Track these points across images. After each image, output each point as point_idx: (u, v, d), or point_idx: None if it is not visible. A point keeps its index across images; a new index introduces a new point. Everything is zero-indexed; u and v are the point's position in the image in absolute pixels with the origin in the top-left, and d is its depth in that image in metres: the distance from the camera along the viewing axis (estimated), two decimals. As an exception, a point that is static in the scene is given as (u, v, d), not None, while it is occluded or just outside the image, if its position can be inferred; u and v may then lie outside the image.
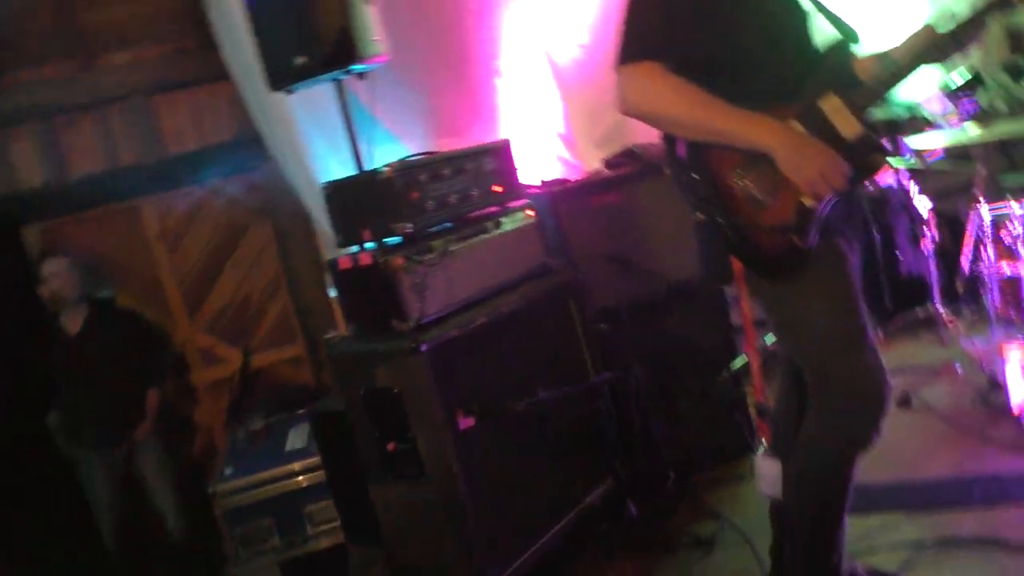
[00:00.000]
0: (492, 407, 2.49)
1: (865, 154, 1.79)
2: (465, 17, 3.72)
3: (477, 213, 2.73)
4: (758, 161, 1.75)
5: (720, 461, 3.25)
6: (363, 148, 2.88)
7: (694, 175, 1.81)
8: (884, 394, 1.87)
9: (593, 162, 3.67)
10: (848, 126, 1.76)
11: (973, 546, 2.39)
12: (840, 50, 1.82)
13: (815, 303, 1.83)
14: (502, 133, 3.70)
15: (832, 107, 1.76)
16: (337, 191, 2.60)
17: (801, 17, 1.82)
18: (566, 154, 3.90)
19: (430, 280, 2.47)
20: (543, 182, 3.18)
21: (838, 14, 1.86)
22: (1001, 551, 2.32)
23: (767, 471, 2.18)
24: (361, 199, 2.54)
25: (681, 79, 1.72)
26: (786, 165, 1.71)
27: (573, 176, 3.59)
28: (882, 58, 1.79)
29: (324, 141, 3.46)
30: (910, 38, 1.76)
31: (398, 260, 2.41)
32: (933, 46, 1.71)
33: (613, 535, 2.88)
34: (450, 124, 3.67)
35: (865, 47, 1.86)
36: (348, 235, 2.58)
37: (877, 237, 3.92)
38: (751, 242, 1.81)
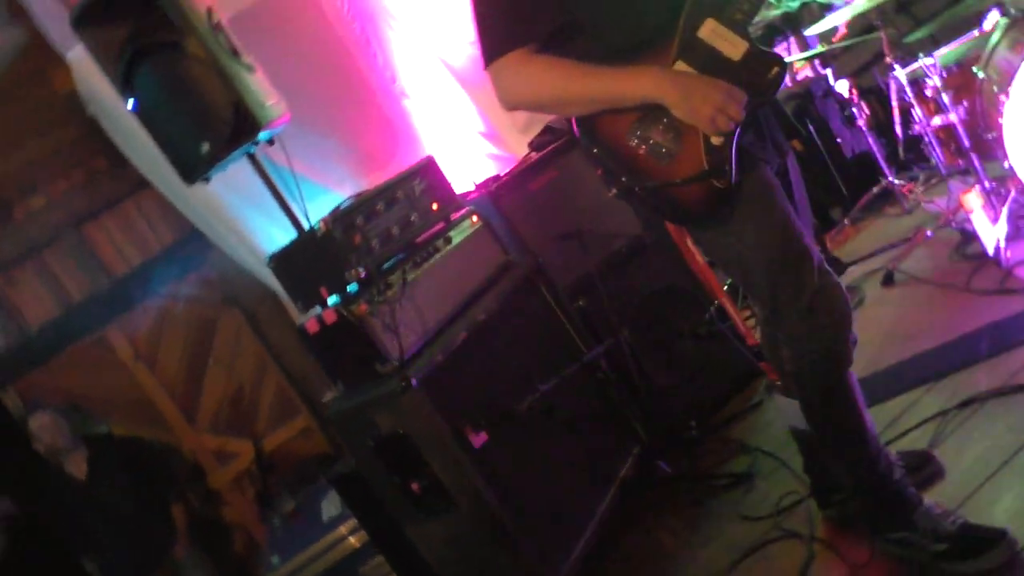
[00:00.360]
0: (498, 415, 2.50)
1: (760, 70, 1.71)
2: (351, 51, 3.72)
3: (424, 236, 2.73)
4: (651, 115, 1.70)
5: (732, 394, 3.27)
6: (297, 208, 2.87)
7: (594, 150, 1.77)
8: (841, 309, 1.86)
9: (523, 149, 3.68)
10: (733, 47, 1.69)
11: (993, 399, 2.40)
12: None
13: (748, 238, 1.79)
14: (427, 150, 3.70)
15: (711, 33, 1.68)
16: (282, 261, 2.60)
17: None
18: (494, 149, 3.91)
19: (400, 315, 2.47)
20: (477, 185, 3.18)
21: None
22: (1021, 394, 2.35)
23: (787, 408, 2.17)
24: (307, 261, 2.53)
25: (549, 57, 1.69)
26: (680, 110, 1.66)
27: (507, 169, 3.60)
28: None
29: (258, 214, 3.45)
30: None
31: (362, 307, 2.40)
32: None
33: (654, 498, 2.89)
34: (373, 158, 3.68)
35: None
36: (307, 298, 2.57)
37: (812, 130, 3.97)
38: (673, 199, 1.76)
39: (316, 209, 2.96)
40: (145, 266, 4.24)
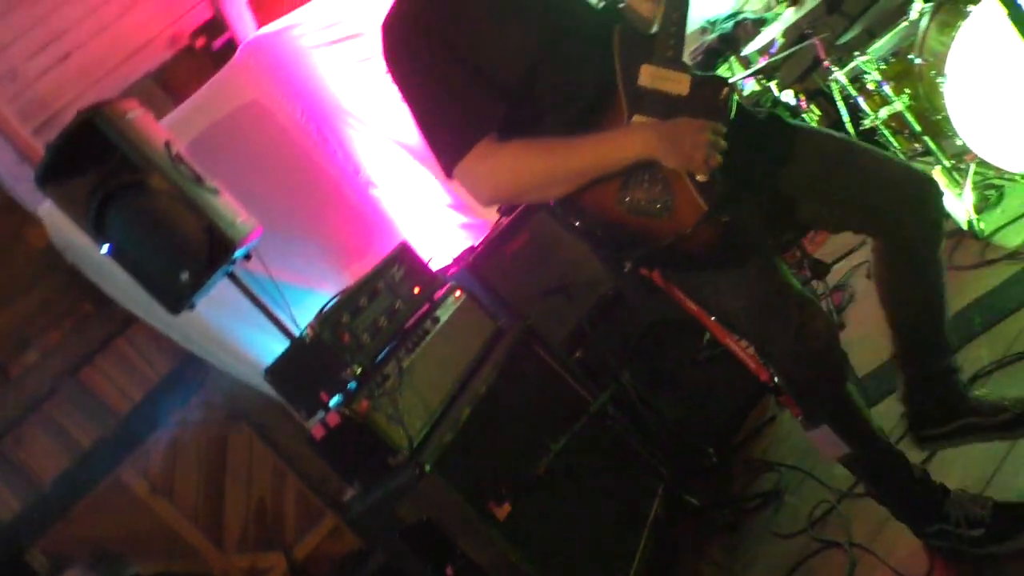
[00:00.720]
0: (518, 483, 2.50)
1: (710, 95, 1.69)
2: (311, 153, 3.81)
3: (412, 321, 2.76)
4: (631, 177, 1.64)
5: (745, 412, 3.27)
6: (284, 316, 2.91)
7: (596, 232, 1.69)
8: (827, 335, 1.82)
9: (493, 214, 3.74)
10: (677, 84, 1.66)
11: (997, 371, 2.42)
12: (612, 21, 1.73)
13: (723, 287, 1.76)
14: (402, 234, 3.76)
15: (652, 78, 1.66)
16: (277, 373, 2.61)
17: (568, 20, 1.76)
18: (465, 218, 3.97)
19: (402, 403, 2.48)
20: (454, 258, 3.23)
21: None
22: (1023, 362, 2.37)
23: (819, 438, 2.07)
24: (301, 368, 2.55)
25: (516, 142, 1.63)
26: (672, 159, 1.59)
27: (481, 237, 3.65)
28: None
29: (248, 327, 3.47)
30: None
31: (363, 404, 2.42)
32: None
33: (688, 532, 2.87)
34: (350, 251, 3.73)
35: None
36: (308, 405, 2.59)
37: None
38: (686, 253, 1.67)
39: (303, 312, 3.00)
40: (148, 399, 4.25)
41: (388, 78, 1.76)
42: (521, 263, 3.13)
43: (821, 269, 3.39)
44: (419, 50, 1.67)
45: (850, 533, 2.34)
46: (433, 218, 3.93)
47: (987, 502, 1.91)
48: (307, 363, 2.53)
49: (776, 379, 2.05)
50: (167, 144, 2.76)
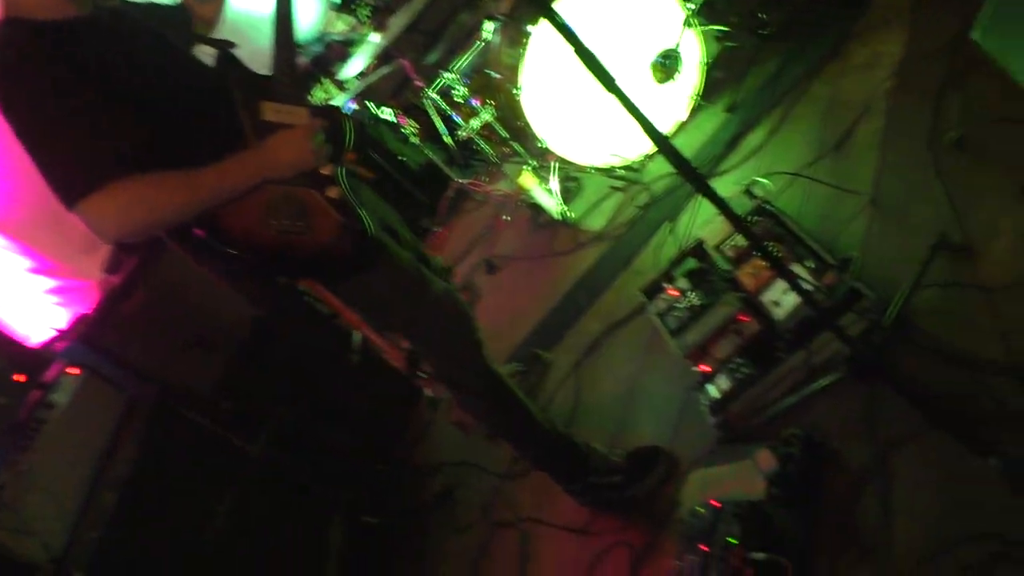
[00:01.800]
0: (188, 558, 2.30)
1: (328, 116, 1.87)
2: None
3: (23, 415, 2.37)
4: (272, 202, 1.75)
5: (404, 424, 3.38)
6: None
7: (232, 251, 1.75)
8: (461, 304, 2.10)
9: (96, 273, 3.33)
10: (296, 116, 1.80)
11: (607, 338, 2.81)
12: (228, 66, 1.83)
13: (373, 284, 1.91)
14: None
15: (274, 113, 1.78)
16: None
17: (180, 72, 1.82)
18: (58, 282, 3.46)
19: (29, 511, 2.13)
20: (60, 332, 2.83)
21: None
22: (625, 327, 2.78)
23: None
24: None
25: (152, 175, 1.59)
26: (289, 161, 1.74)
27: (89, 297, 3.24)
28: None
29: None
30: None
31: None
32: None
33: (376, 552, 2.89)
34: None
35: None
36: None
37: (375, 155, 4.20)
38: (331, 261, 1.84)
39: None
40: None
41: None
42: (145, 322, 2.82)
43: (446, 276, 3.61)
44: (43, 81, 1.57)
45: (518, 510, 2.56)
46: (13, 288, 3.36)
47: (622, 452, 2.26)
48: None
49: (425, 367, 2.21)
50: None
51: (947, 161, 2.06)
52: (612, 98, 1.44)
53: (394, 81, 4.06)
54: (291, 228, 1.78)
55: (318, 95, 3.92)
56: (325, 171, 1.82)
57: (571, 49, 1.43)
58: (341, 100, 3.78)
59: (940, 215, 1.94)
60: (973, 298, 1.74)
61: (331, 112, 1.97)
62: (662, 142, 1.47)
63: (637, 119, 1.44)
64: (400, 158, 4.36)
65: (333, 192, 1.82)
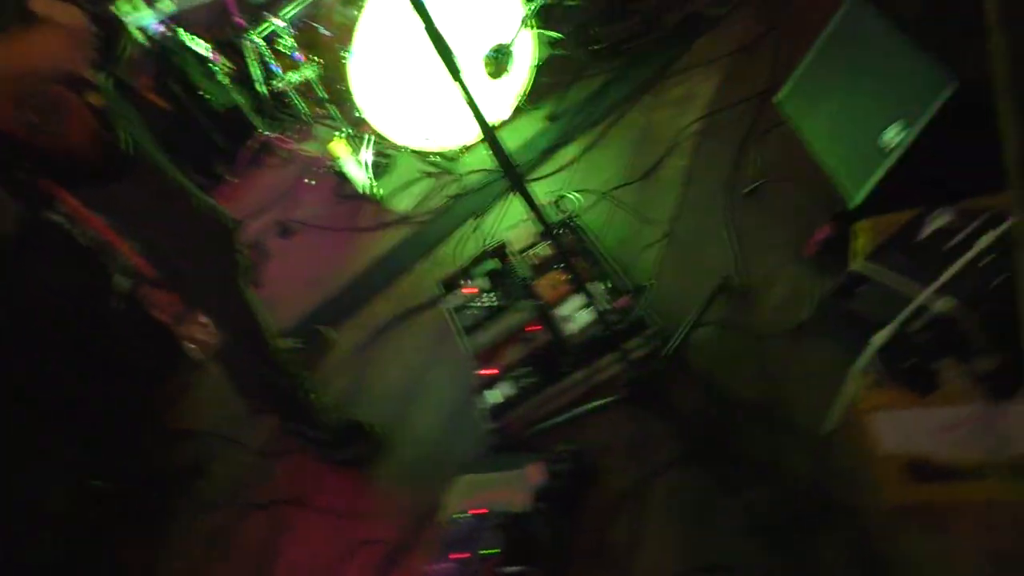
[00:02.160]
0: None
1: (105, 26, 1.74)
2: None
3: None
4: (22, 96, 1.58)
5: (159, 380, 3.09)
6: None
7: None
8: (221, 217, 2.08)
9: None
10: (66, 13, 1.66)
11: (394, 329, 2.74)
12: None
13: (119, 189, 1.81)
14: None
15: (43, 4, 1.62)
16: None
17: None
18: None
19: None
20: None
21: None
22: (413, 317, 2.72)
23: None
24: None
25: None
26: (42, 66, 1.61)
27: None
28: None
29: None
30: None
31: None
32: None
33: (113, 520, 2.62)
34: None
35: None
36: None
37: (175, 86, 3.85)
38: (77, 169, 1.71)
39: None
40: None
41: None
42: None
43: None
44: None
45: (274, 491, 2.42)
46: None
47: (344, 418, 2.34)
48: None
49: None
50: None
51: (740, 209, 2.20)
52: (449, 83, 1.37)
53: (212, 13, 3.71)
54: (37, 124, 1.64)
55: (123, 7, 3.51)
56: (91, 78, 1.69)
57: (421, 26, 1.35)
58: (147, 18, 3.40)
59: (727, 259, 2.06)
60: (744, 341, 1.86)
61: (110, 22, 1.82)
62: (491, 136, 1.42)
63: (472, 109, 1.38)
64: (204, 95, 4.02)
65: (94, 98, 1.72)
